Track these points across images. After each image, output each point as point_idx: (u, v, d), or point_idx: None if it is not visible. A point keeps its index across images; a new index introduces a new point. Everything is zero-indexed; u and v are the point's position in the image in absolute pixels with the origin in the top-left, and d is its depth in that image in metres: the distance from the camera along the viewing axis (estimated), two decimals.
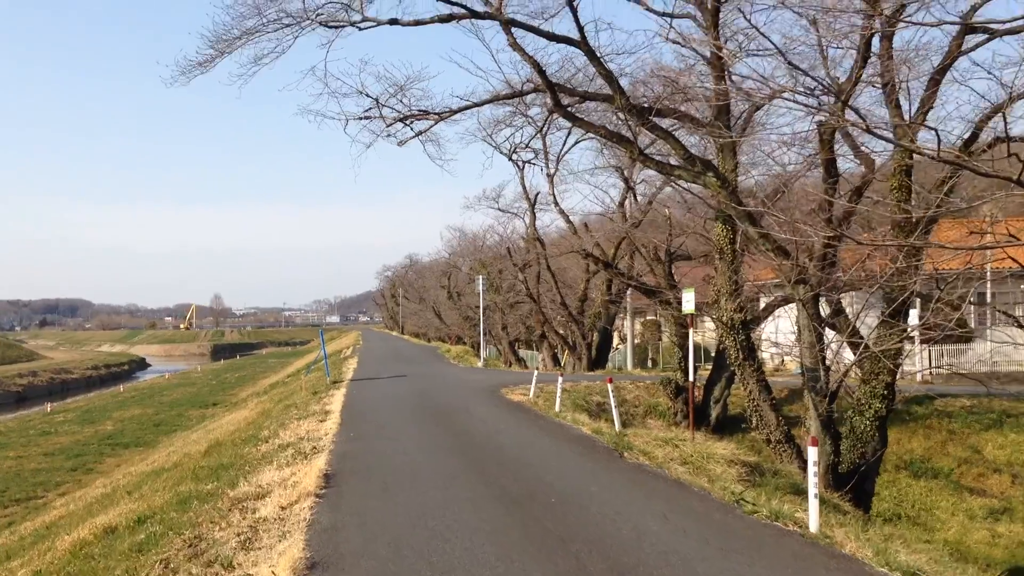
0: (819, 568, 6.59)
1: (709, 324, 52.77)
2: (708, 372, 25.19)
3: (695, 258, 31.11)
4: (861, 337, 15.97)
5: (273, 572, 6.51)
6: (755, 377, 15.88)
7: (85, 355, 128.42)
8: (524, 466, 10.70)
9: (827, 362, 14.81)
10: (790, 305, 20.12)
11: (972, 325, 28.13)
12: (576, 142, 36.28)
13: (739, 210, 14.69)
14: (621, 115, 16.79)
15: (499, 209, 45.13)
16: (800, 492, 13.10)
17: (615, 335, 44.56)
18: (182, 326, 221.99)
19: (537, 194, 39.42)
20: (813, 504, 7.54)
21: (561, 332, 40.48)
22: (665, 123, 15.90)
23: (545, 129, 34.10)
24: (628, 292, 38.46)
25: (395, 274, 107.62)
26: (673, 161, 15.74)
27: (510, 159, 37.80)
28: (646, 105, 15.22)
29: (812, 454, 7.60)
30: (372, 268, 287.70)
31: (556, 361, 41.14)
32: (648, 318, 54.79)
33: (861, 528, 8.38)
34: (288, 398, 26.55)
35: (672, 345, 44.18)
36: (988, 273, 22.46)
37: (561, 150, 36.04)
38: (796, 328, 15.18)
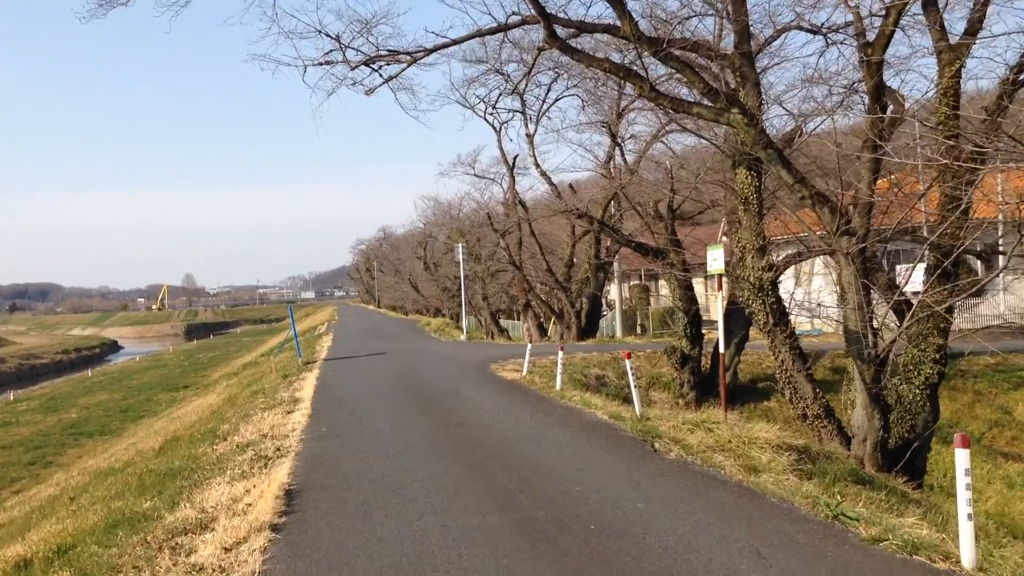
0: None
1: (698, 287, 51.26)
2: (708, 337, 23.22)
3: (689, 217, 29.08)
4: (903, 294, 13.97)
5: None
6: (788, 344, 13.80)
7: (55, 339, 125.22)
8: (541, 472, 8.45)
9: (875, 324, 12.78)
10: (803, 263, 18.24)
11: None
12: (556, 99, 34.15)
13: (769, 152, 12.52)
14: (628, 46, 14.50)
15: (475, 175, 43.31)
16: (862, 481, 11.12)
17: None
18: (154, 307, 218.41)
19: (516, 157, 37.48)
20: (966, 529, 5.39)
21: (546, 300, 38.41)
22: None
23: (525, 85, 31.82)
24: (617, 256, 36.47)
25: (369, 247, 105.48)
26: (689, 98, 13.52)
27: (486, 120, 35.84)
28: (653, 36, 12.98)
29: (962, 459, 5.44)
30: (346, 243, 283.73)
31: (542, 331, 39.07)
32: (633, 283, 52.86)
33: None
34: (257, 382, 24.22)
35: (661, 311, 42.64)
36: None
37: (541, 108, 33.86)
38: (838, 287, 13.08)
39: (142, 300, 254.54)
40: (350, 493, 7.90)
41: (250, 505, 7.61)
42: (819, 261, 24.18)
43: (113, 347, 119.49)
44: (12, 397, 49.34)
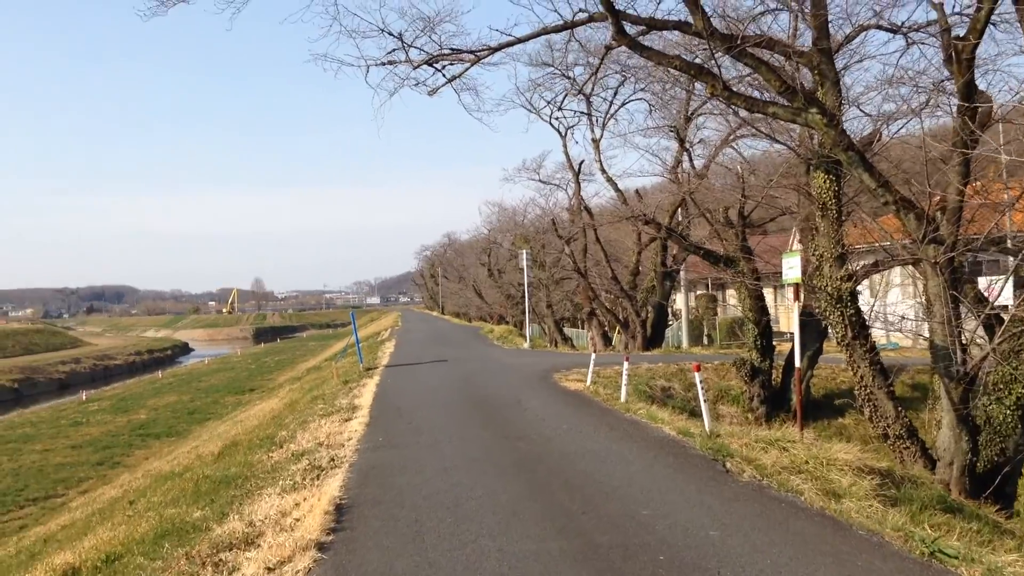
0: None
1: (731, 298, 49.88)
2: (770, 351, 22.32)
3: (758, 225, 28.19)
4: (995, 308, 13.10)
5: None
6: (868, 359, 13.01)
7: (129, 341, 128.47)
8: (605, 491, 7.91)
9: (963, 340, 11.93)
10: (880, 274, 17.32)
11: None
12: (624, 103, 33.53)
13: (850, 154, 11.80)
14: (697, 46, 13.94)
15: (540, 181, 43.00)
16: (951, 509, 10.34)
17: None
18: (225, 310, 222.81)
19: (582, 162, 37.04)
20: None
21: (610, 308, 37.74)
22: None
23: (592, 87, 31.35)
24: (684, 264, 35.65)
25: (434, 253, 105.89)
26: (765, 97, 12.88)
27: (551, 124, 35.49)
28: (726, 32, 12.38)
29: None
30: (411, 248, 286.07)
31: (607, 340, 38.40)
32: (700, 292, 51.77)
33: None
34: (318, 387, 24.14)
35: (728, 321, 41.57)
36: None
37: (607, 112, 33.34)
38: (924, 299, 12.27)
39: (213, 303, 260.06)
40: (402, 510, 7.49)
41: (298, 520, 7.27)
42: (896, 272, 23.18)
43: (184, 349, 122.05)
44: (84, 397, 50.42)
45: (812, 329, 19.27)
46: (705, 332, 42.26)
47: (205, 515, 8.73)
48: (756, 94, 13.76)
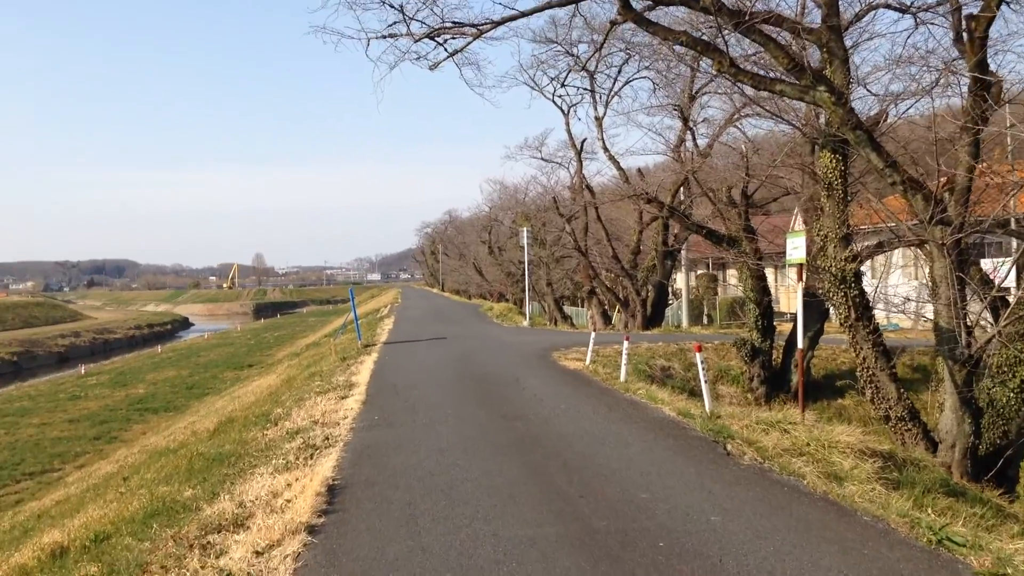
0: None
1: (732, 278, 49.63)
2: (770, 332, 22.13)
3: (761, 205, 27.91)
4: (1002, 291, 12.92)
5: None
6: (870, 340, 12.83)
7: (129, 315, 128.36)
8: (603, 474, 7.74)
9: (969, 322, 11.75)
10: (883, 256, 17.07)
11: None
12: (627, 81, 33.14)
13: (858, 133, 11.57)
14: (704, 22, 13.65)
15: (542, 159, 42.68)
16: (954, 493, 10.20)
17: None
18: (225, 285, 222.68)
19: (584, 140, 36.68)
20: None
21: (611, 287, 37.53)
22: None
23: (595, 64, 31.00)
24: (686, 244, 35.42)
25: (435, 230, 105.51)
26: (772, 74, 12.61)
27: (554, 102, 35.22)
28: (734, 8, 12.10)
29: None
30: (412, 225, 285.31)
31: (606, 319, 38.22)
32: (700, 272, 51.56)
33: None
34: (315, 364, 23.98)
35: (728, 300, 41.38)
36: None
37: (611, 90, 32.95)
38: (929, 281, 12.07)
39: (213, 279, 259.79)
40: (396, 492, 7.33)
41: (289, 502, 7.10)
42: (898, 254, 22.92)
43: (184, 324, 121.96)
44: (83, 371, 50.30)
45: (813, 310, 19.09)
46: (705, 312, 42.12)
47: (196, 494, 8.58)
48: (762, 73, 13.48)
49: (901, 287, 17.11)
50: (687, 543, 5.76)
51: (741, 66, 12.51)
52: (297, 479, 7.93)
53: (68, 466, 24.64)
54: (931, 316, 14.26)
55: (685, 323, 37.71)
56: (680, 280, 42.58)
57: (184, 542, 6.48)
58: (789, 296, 39.33)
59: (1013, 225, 13.65)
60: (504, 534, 6.05)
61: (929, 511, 7.14)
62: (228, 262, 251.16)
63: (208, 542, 6.32)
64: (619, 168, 32.54)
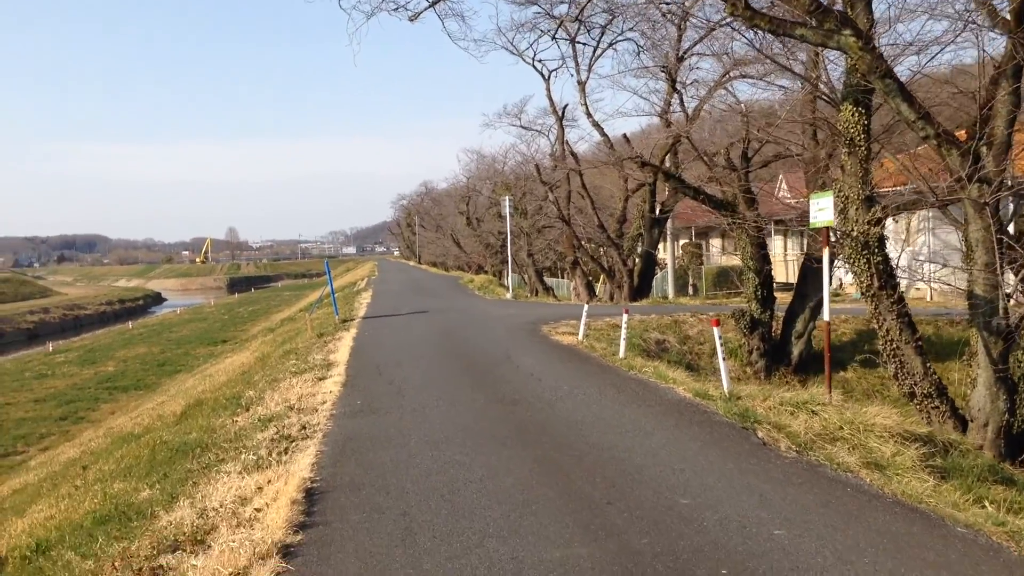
0: None
1: (715, 247, 48.71)
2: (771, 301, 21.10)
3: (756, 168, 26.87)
4: None
5: None
6: (895, 311, 11.80)
7: (100, 290, 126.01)
8: (629, 472, 6.57)
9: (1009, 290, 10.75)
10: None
11: None
12: (611, 43, 31.83)
13: (888, 81, 10.45)
14: None
15: (522, 126, 41.49)
16: (1005, 481, 9.24)
17: None
18: (198, 260, 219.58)
19: (566, 106, 35.46)
20: None
21: (595, 257, 36.47)
22: None
23: (578, 28, 29.64)
24: (673, 212, 34.33)
25: (410, 202, 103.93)
26: (789, 18, 11.43)
27: (534, 67, 33.85)
28: None
29: None
30: (387, 198, 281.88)
31: (591, 290, 37.14)
32: (684, 241, 50.54)
33: None
34: (291, 340, 22.72)
35: (714, 270, 40.41)
36: None
37: (594, 54, 31.63)
38: (963, 245, 11.04)
39: (186, 253, 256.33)
40: (388, 498, 6.15)
41: (259, 512, 5.92)
42: (917, 218, 21.92)
43: (157, 299, 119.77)
44: (51, 348, 48.85)
45: (815, 277, 18.11)
46: (690, 281, 41.12)
47: (153, 496, 7.41)
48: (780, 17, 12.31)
49: (920, 255, 16.12)
50: (756, 570, 4.63)
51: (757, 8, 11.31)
52: (269, 481, 6.74)
53: (32, 448, 23.66)
54: (951, 283, 13.30)
55: (671, 293, 36.71)
56: (665, 250, 41.58)
57: (132, 563, 5.33)
58: (788, 267, 38.42)
59: None
60: (526, 557, 4.87)
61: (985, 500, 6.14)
62: (201, 236, 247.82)
63: (160, 566, 5.16)
64: (603, 133, 31.30)
